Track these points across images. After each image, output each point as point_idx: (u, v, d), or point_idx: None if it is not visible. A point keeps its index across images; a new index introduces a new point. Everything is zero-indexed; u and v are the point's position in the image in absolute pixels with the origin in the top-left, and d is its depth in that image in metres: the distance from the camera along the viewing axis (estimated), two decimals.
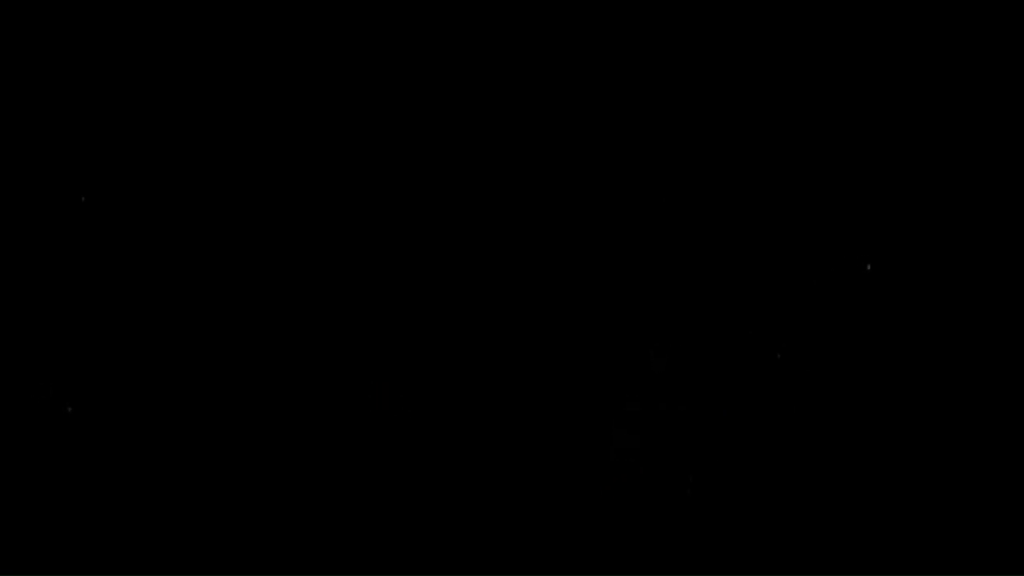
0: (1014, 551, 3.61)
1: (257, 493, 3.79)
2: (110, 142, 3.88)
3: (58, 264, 3.85)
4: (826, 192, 3.75)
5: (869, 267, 3.71)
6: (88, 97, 3.88)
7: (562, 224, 3.81)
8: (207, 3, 3.88)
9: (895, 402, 3.69)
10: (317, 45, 3.87)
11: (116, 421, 3.82)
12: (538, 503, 3.73)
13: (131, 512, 3.78)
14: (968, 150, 3.72)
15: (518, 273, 3.81)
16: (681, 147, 3.81)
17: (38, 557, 3.76)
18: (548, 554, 3.72)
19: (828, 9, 3.77)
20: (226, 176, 3.87)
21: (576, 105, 3.83)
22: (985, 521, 3.63)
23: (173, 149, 3.88)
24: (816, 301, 3.74)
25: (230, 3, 3.88)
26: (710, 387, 3.74)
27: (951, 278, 3.70)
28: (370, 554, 3.74)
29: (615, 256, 3.80)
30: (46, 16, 3.88)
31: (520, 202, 3.83)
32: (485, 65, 3.85)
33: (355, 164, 3.86)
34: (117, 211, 3.86)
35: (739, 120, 3.79)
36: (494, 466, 3.76)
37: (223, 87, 3.88)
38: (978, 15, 3.72)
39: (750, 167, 3.79)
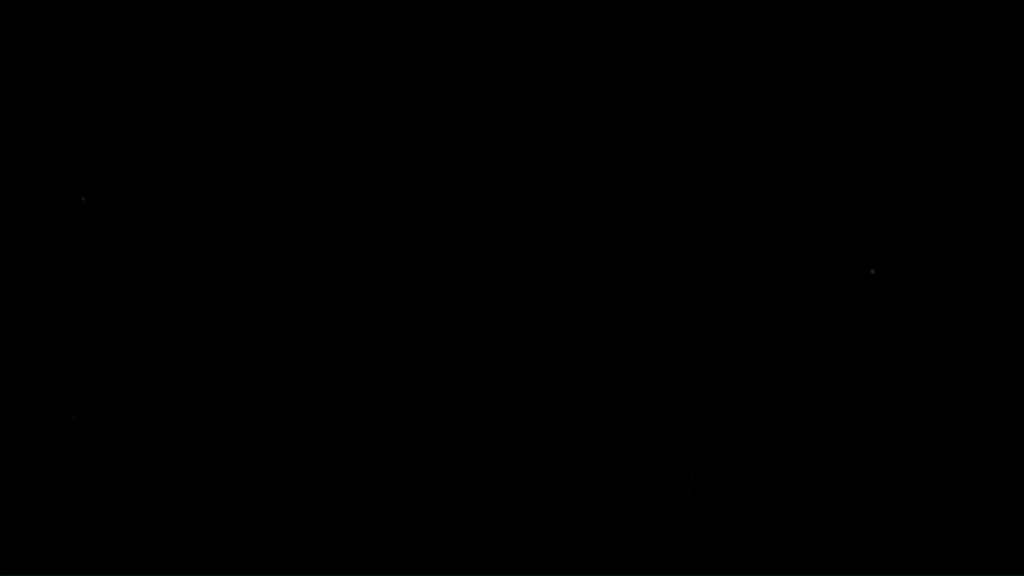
0: (1014, 552, 3.61)
1: (258, 493, 3.79)
2: (110, 142, 3.88)
3: (58, 264, 3.85)
4: (829, 193, 3.75)
5: (873, 271, 3.71)
6: (88, 97, 3.88)
7: (562, 224, 3.81)
8: (207, 3, 3.88)
9: (895, 403, 3.69)
10: (317, 45, 3.87)
11: (116, 421, 3.82)
12: (538, 503, 3.73)
13: (132, 512, 3.78)
14: (972, 154, 3.72)
15: (518, 273, 3.81)
16: (682, 147, 3.80)
17: (38, 557, 3.77)
18: (548, 554, 3.72)
19: (837, 9, 3.77)
20: (226, 177, 3.87)
21: (576, 105, 3.82)
22: (985, 522, 3.63)
23: (173, 149, 3.88)
24: (818, 303, 3.74)
25: (230, 3, 3.88)
26: (710, 387, 3.74)
27: (955, 282, 3.69)
28: (370, 554, 3.74)
29: (615, 256, 3.80)
30: (46, 16, 3.88)
31: (520, 202, 3.83)
32: (485, 65, 3.85)
33: (355, 164, 3.86)
34: (117, 211, 3.86)
35: (742, 120, 3.79)
36: (494, 466, 3.76)
37: (223, 87, 3.88)
38: (984, 16, 3.72)
39: (752, 168, 3.78)
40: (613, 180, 3.82)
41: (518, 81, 3.84)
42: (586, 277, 3.80)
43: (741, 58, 3.79)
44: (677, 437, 3.73)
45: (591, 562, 3.71)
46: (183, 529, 3.77)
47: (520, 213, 3.82)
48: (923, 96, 3.74)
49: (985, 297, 3.69)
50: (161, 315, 3.84)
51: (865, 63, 3.76)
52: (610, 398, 3.75)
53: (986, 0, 3.71)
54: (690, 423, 3.73)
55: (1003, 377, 3.66)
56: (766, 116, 3.78)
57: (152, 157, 3.88)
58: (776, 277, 3.75)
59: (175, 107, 3.88)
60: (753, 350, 3.74)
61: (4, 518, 3.78)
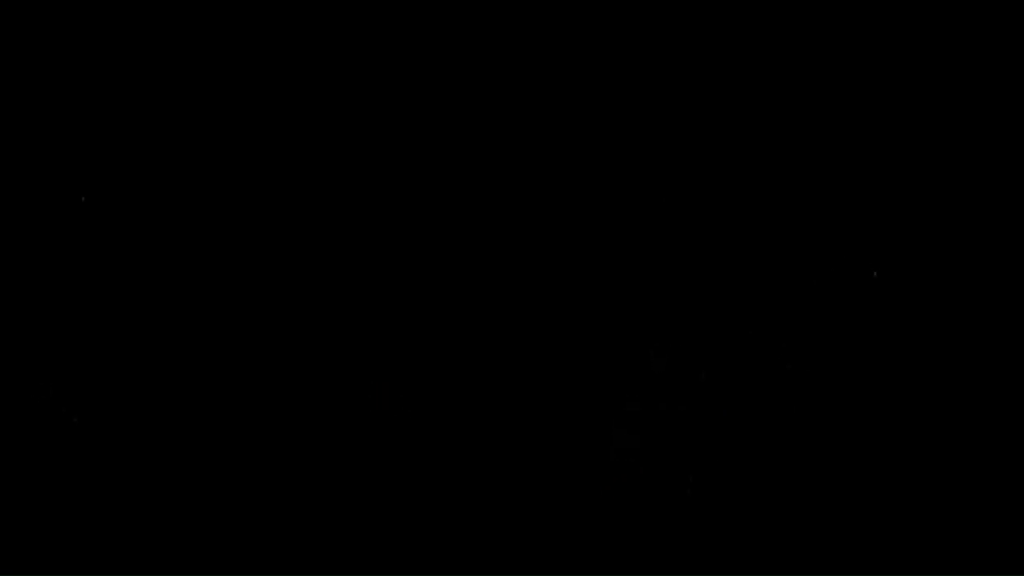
0: (1014, 553, 3.61)
1: (258, 493, 3.79)
2: (110, 142, 3.88)
3: (58, 265, 3.85)
4: (831, 195, 3.75)
5: (875, 274, 3.70)
6: (88, 97, 3.88)
7: (562, 224, 3.81)
8: (207, 3, 3.88)
9: (896, 404, 3.69)
10: (317, 45, 3.87)
11: (116, 421, 3.82)
12: (538, 503, 3.73)
13: (132, 513, 3.78)
14: (975, 158, 3.72)
15: (517, 273, 3.81)
16: (684, 147, 3.80)
17: (39, 556, 3.77)
18: (548, 554, 3.72)
19: (840, 11, 3.76)
20: (226, 177, 3.87)
21: (576, 105, 3.82)
22: (985, 522, 3.63)
23: (173, 149, 3.88)
24: (819, 304, 3.74)
25: (230, 3, 3.88)
26: (710, 387, 3.74)
27: (957, 286, 3.69)
28: (370, 554, 3.74)
29: (615, 256, 3.80)
30: (46, 16, 3.88)
31: (519, 202, 3.83)
32: (484, 65, 3.85)
33: (354, 164, 3.86)
34: (117, 211, 3.86)
35: (744, 120, 3.79)
36: (494, 466, 3.76)
37: (223, 87, 3.88)
38: (987, 19, 3.72)
39: (754, 169, 3.78)
40: (613, 181, 3.82)
41: (518, 81, 3.84)
42: (586, 277, 3.80)
43: (744, 59, 3.79)
44: (677, 437, 3.73)
45: (591, 562, 3.71)
46: (183, 529, 3.77)
47: (520, 214, 3.82)
48: (926, 99, 3.74)
49: (987, 301, 3.68)
50: (161, 315, 3.84)
51: (868, 66, 3.76)
52: (610, 398, 3.75)
53: (986, 0, 3.71)
54: (690, 423, 3.73)
55: (1004, 379, 3.66)
56: (767, 116, 3.78)
57: (152, 157, 3.88)
58: (777, 277, 3.75)
59: (175, 107, 3.88)
60: (753, 350, 3.74)
61: (4, 519, 3.78)
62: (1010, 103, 3.71)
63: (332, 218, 3.85)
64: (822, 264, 3.74)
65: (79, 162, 3.87)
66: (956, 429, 3.67)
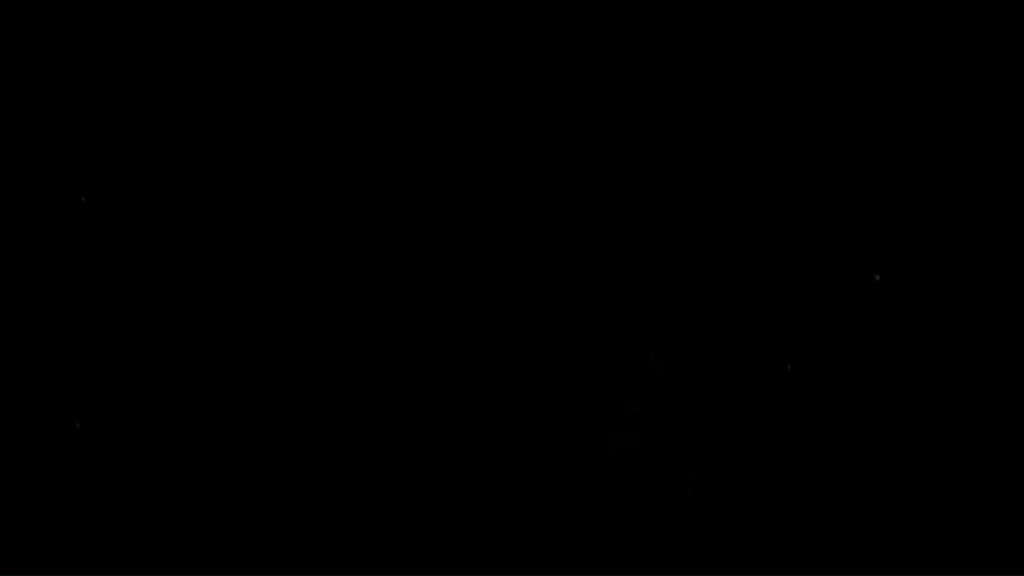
0: (1014, 554, 3.61)
1: (258, 494, 3.79)
2: (110, 142, 3.88)
3: (58, 265, 3.85)
4: (833, 197, 3.75)
5: (877, 277, 3.70)
6: (88, 97, 3.88)
7: (562, 224, 3.81)
8: (207, 3, 3.88)
9: (896, 405, 3.69)
10: (317, 45, 3.87)
11: (116, 421, 3.82)
12: (538, 503, 3.73)
13: (132, 513, 3.78)
14: (976, 161, 3.71)
15: (518, 273, 3.81)
16: (683, 147, 3.80)
17: (39, 556, 3.77)
18: (548, 554, 3.72)
19: (840, 11, 3.76)
20: (226, 177, 3.87)
21: (576, 105, 3.82)
22: (985, 522, 3.63)
23: (173, 149, 3.88)
24: (819, 304, 3.74)
25: (230, 3, 3.88)
26: (710, 387, 3.74)
27: (958, 289, 3.69)
28: (370, 554, 3.74)
29: (615, 256, 3.79)
30: (46, 16, 3.88)
31: (519, 202, 3.82)
32: (484, 65, 3.84)
33: (355, 164, 3.86)
34: (117, 211, 3.86)
35: (744, 121, 3.79)
36: (494, 466, 3.76)
37: (223, 87, 3.88)
38: (987, 19, 3.72)
39: (754, 169, 3.78)
40: (613, 181, 3.81)
41: (518, 82, 3.84)
42: (586, 278, 3.80)
43: (744, 60, 3.79)
44: (677, 437, 3.73)
45: (591, 562, 3.71)
46: (183, 529, 3.77)
47: (520, 214, 3.82)
48: (928, 102, 3.74)
49: (987, 304, 3.68)
50: (161, 316, 3.84)
51: (870, 68, 3.76)
52: (610, 398, 3.75)
53: (986, 1, 3.71)
54: (690, 423, 3.73)
55: (1003, 382, 3.65)
56: (767, 116, 3.78)
57: (152, 157, 3.87)
58: (778, 278, 3.75)
59: (175, 107, 3.88)
60: (753, 350, 3.74)
61: (4, 519, 3.77)
62: (1010, 105, 3.70)
63: (332, 218, 3.85)
64: (823, 266, 3.74)
65: (79, 162, 3.87)
66: (955, 430, 3.66)
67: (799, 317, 3.73)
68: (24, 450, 3.81)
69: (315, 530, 3.76)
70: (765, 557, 3.67)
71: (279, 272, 3.84)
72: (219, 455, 3.80)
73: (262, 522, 3.76)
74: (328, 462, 3.78)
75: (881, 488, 3.67)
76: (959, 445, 3.66)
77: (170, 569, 3.75)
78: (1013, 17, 3.70)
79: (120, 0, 3.89)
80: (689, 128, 3.80)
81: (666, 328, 3.76)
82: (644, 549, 3.70)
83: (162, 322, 3.83)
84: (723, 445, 3.72)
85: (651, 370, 3.75)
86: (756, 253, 3.76)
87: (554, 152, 3.83)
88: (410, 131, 3.86)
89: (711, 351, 3.75)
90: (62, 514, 3.79)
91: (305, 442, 3.79)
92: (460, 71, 3.85)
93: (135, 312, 3.84)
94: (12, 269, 3.84)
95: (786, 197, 3.77)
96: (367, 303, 3.83)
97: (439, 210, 3.84)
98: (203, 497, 3.78)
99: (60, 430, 3.81)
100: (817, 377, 3.71)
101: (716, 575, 3.68)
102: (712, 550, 3.69)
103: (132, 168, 3.87)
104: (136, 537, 3.77)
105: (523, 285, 3.81)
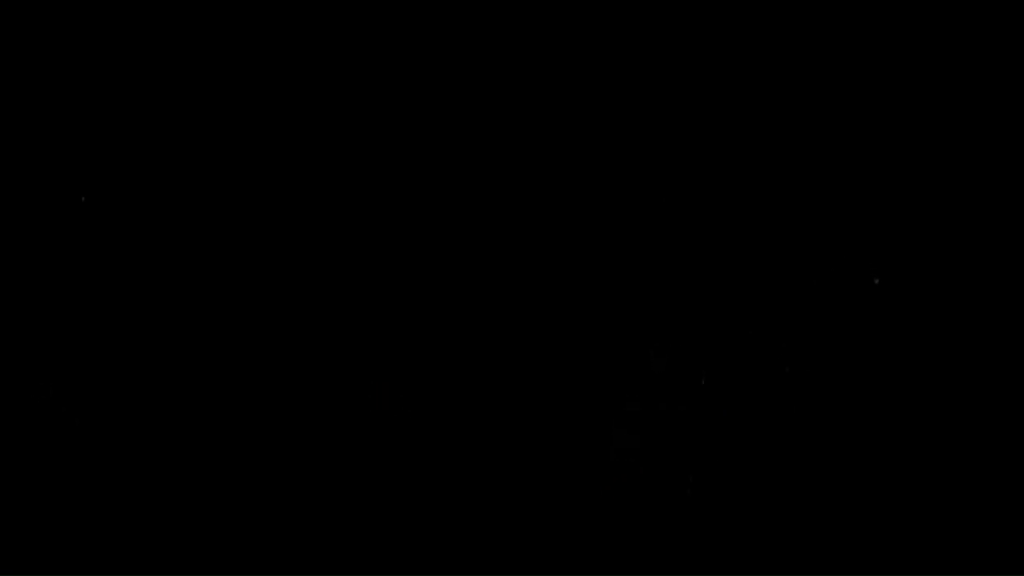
0: (1013, 555, 3.61)
1: (258, 493, 3.79)
2: (110, 142, 3.88)
3: (58, 264, 3.85)
4: (833, 199, 3.75)
5: (877, 281, 3.71)
6: (88, 97, 3.88)
7: (562, 224, 3.81)
8: (207, 3, 3.88)
9: (894, 406, 3.69)
10: (317, 45, 3.87)
11: (116, 421, 3.82)
12: (538, 503, 3.73)
13: (132, 512, 3.78)
14: (976, 166, 3.72)
15: (518, 273, 3.81)
16: (683, 148, 3.80)
17: (39, 556, 3.77)
18: (548, 554, 3.72)
19: (840, 13, 3.76)
20: (226, 176, 3.87)
21: (577, 106, 3.82)
22: (985, 522, 3.63)
23: (173, 149, 3.88)
24: (819, 304, 3.74)
25: (230, 3, 3.88)
26: (710, 387, 3.74)
27: (957, 294, 3.69)
28: (370, 554, 3.74)
29: (615, 256, 3.80)
30: (46, 16, 3.88)
31: (520, 202, 3.83)
32: (484, 65, 3.85)
33: (355, 164, 3.86)
34: (117, 211, 3.86)
35: (744, 122, 3.79)
36: (494, 466, 3.76)
37: (223, 87, 3.88)
38: (987, 22, 3.72)
39: (754, 170, 3.78)
40: (614, 181, 3.82)
41: (518, 82, 3.84)
42: (586, 278, 3.80)
43: (745, 61, 3.79)
44: (677, 437, 3.73)
45: (591, 562, 3.71)
46: (183, 529, 3.77)
47: (520, 214, 3.82)
48: (927, 106, 3.74)
49: (986, 309, 3.69)
50: (161, 315, 3.84)
51: (869, 70, 3.76)
52: (610, 398, 3.75)
53: (986, 3, 3.71)
54: (690, 423, 3.73)
55: (1001, 385, 3.66)
56: (768, 118, 3.78)
57: (152, 157, 3.87)
58: (778, 280, 3.75)
59: (175, 107, 3.88)
60: (753, 351, 3.74)
61: (4, 519, 3.77)
62: (1009, 110, 3.71)
63: (332, 218, 3.85)
64: (823, 269, 3.74)
65: (79, 162, 3.87)
66: (952, 431, 3.67)
67: (799, 318, 3.73)
68: (24, 450, 3.81)
69: (315, 530, 3.76)
70: (765, 557, 3.68)
71: (279, 272, 3.84)
72: (219, 455, 3.80)
73: (262, 522, 3.76)
74: (328, 462, 3.78)
75: (881, 489, 3.67)
76: (956, 446, 3.66)
77: (170, 569, 3.75)
78: (1012, 21, 3.71)
79: (120, 0, 3.89)
80: (689, 130, 3.80)
81: (666, 328, 3.76)
82: (644, 549, 3.71)
83: (162, 322, 3.83)
84: (723, 445, 3.72)
85: (651, 370, 3.75)
86: (756, 255, 3.77)
87: (554, 153, 3.83)
88: (410, 132, 3.86)
89: (711, 351, 3.75)
90: (62, 514, 3.79)
91: (305, 442, 3.79)
92: (460, 72, 3.85)
93: (135, 312, 3.84)
94: (12, 269, 3.84)
95: (786, 200, 3.77)
96: (367, 304, 3.83)
97: (439, 211, 3.84)
98: (203, 497, 3.78)
99: (60, 430, 3.81)
100: (816, 378, 3.71)
101: (716, 575, 3.68)
102: (712, 550, 3.69)
103: (132, 168, 3.87)
104: (137, 537, 3.77)
105: (523, 286, 3.81)
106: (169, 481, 3.79)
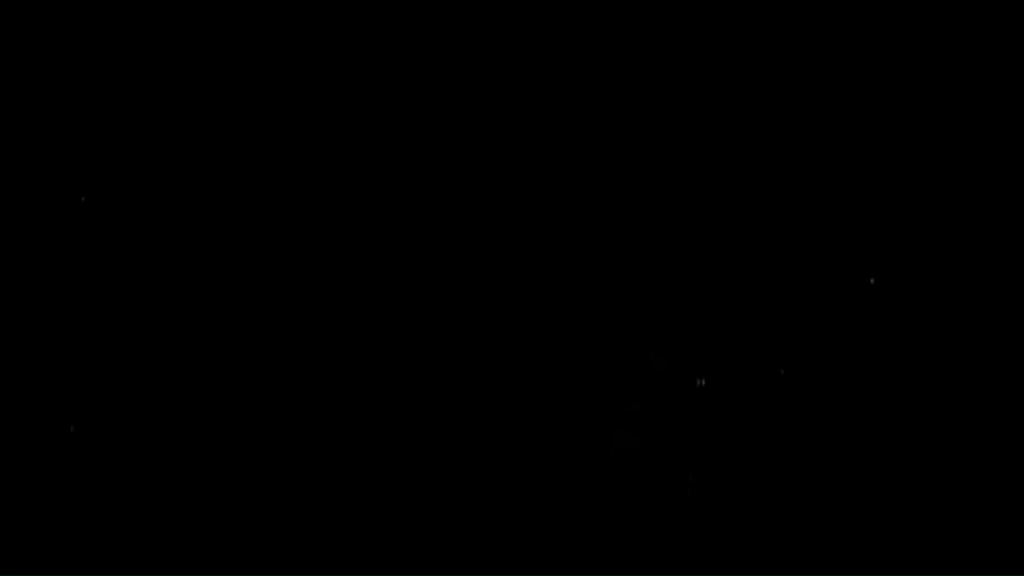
0: (1011, 555, 3.61)
1: (258, 494, 3.79)
2: (110, 142, 3.88)
3: (57, 264, 3.85)
4: (832, 201, 3.75)
5: (872, 281, 3.71)
6: (88, 97, 3.88)
7: (562, 225, 3.81)
8: (207, 3, 3.88)
9: (893, 405, 3.69)
10: (317, 45, 3.87)
11: (116, 421, 3.81)
12: (538, 503, 3.73)
13: (132, 513, 3.78)
14: (973, 168, 3.72)
15: (518, 274, 3.81)
16: (684, 149, 3.81)
17: (39, 556, 3.76)
18: (548, 554, 3.72)
19: (840, 15, 3.77)
20: (226, 177, 3.87)
21: (578, 107, 3.83)
22: (984, 522, 3.63)
23: (173, 149, 3.88)
24: (818, 305, 3.74)
25: (230, 3, 3.88)
26: (710, 387, 3.74)
27: (954, 294, 3.70)
28: (370, 554, 3.74)
29: (615, 257, 3.80)
30: (46, 16, 3.88)
31: (520, 203, 3.83)
32: (485, 66, 3.85)
33: (355, 165, 3.86)
34: (117, 211, 3.86)
35: (744, 124, 3.79)
36: (494, 466, 3.76)
37: (223, 87, 3.88)
38: (992, 24, 3.73)
39: (754, 171, 3.79)
40: (614, 182, 3.82)
41: (519, 83, 3.84)
42: (586, 278, 3.80)
43: (744, 62, 3.79)
44: (677, 437, 3.73)
45: (591, 562, 3.71)
46: (183, 529, 3.77)
47: (520, 214, 3.82)
48: (924, 108, 3.74)
49: (983, 309, 3.69)
50: (161, 316, 3.84)
51: (868, 72, 3.76)
52: (610, 398, 3.76)
53: (986, 4, 3.71)
54: (690, 423, 3.73)
55: (999, 385, 3.66)
56: (767, 119, 3.78)
57: (152, 157, 3.87)
58: (777, 279, 3.75)
59: (175, 107, 3.88)
60: (753, 351, 3.74)
61: (4, 519, 3.77)
62: (1005, 112, 3.71)
63: (332, 219, 3.85)
64: (821, 268, 3.75)
65: (79, 162, 3.87)
66: (950, 431, 3.67)
67: (797, 319, 3.73)
68: (25, 450, 3.80)
69: (315, 530, 3.76)
70: (765, 557, 3.68)
71: (279, 273, 3.84)
72: (219, 454, 3.80)
73: (262, 522, 3.76)
74: (329, 462, 3.78)
75: (880, 488, 3.67)
76: (953, 445, 3.66)
77: (170, 569, 3.74)
78: (1010, 24, 3.71)
79: (120, 0, 3.89)
80: (689, 132, 3.81)
81: (666, 328, 3.76)
82: (644, 549, 3.71)
83: (162, 322, 3.83)
84: (723, 445, 3.72)
85: (651, 370, 3.75)
86: (755, 256, 3.77)
87: (554, 154, 3.83)
88: (410, 132, 3.86)
89: (711, 352, 3.75)
90: (62, 514, 3.79)
91: (305, 442, 3.79)
92: (461, 73, 3.85)
93: (135, 312, 3.84)
94: (12, 269, 3.84)
95: (784, 201, 3.77)
96: (367, 304, 3.83)
97: (439, 212, 3.84)
98: (204, 497, 3.78)
99: (60, 430, 3.81)
100: (816, 378, 3.71)
101: (716, 575, 3.68)
102: (712, 550, 3.69)
103: (132, 168, 3.87)
104: (137, 537, 3.77)
105: (523, 286, 3.81)
106: (169, 481, 3.79)
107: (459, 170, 3.85)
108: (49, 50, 3.88)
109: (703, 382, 3.74)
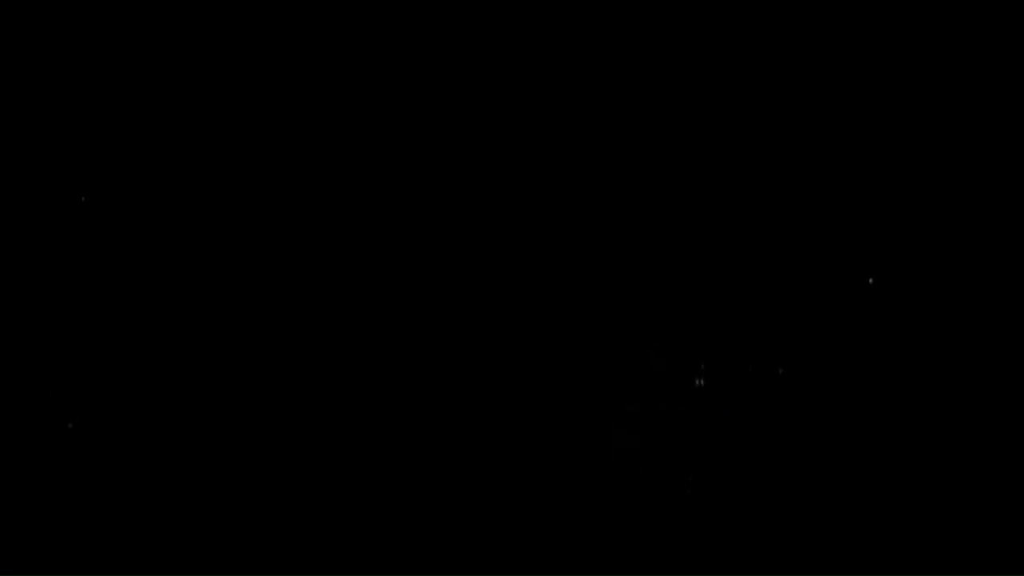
0: (1013, 556, 3.62)
1: (258, 493, 3.78)
2: (110, 142, 3.88)
3: (57, 264, 3.84)
4: (830, 201, 3.76)
5: (871, 281, 3.71)
6: (88, 97, 3.88)
7: (562, 226, 3.82)
8: (207, 3, 3.88)
9: (892, 405, 3.70)
10: (317, 46, 3.87)
11: (116, 421, 3.81)
12: (539, 503, 3.74)
13: (132, 513, 3.78)
14: (972, 169, 3.73)
15: (518, 275, 3.81)
16: (683, 149, 3.81)
17: (39, 556, 3.76)
18: (548, 554, 3.72)
19: (840, 15, 3.77)
20: (226, 178, 3.87)
21: (578, 109, 3.83)
22: (984, 522, 3.63)
23: (173, 149, 3.87)
24: (818, 305, 3.74)
25: (230, 3, 3.88)
26: (710, 387, 3.74)
27: (952, 294, 3.70)
28: (370, 554, 3.74)
29: (615, 257, 3.80)
30: (46, 16, 3.88)
31: (520, 204, 3.83)
32: (486, 68, 3.85)
33: (356, 165, 3.86)
34: (117, 211, 3.86)
35: (744, 124, 3.80)
36: (495, 466, 3.76)
37: (223, 88, 3.88)
38: (992, 24, 3.73)
39: (753, 175, 3.79)
40: (614, 183, 3.82)
41: (519, 83, 3.84)
42: (586, 279, 3.80)
43: (744, 63, 3.80)
44: (677, 437, 3.73)
45: (591, 562, 3.71)
46: (183, 529, 3.76)
47: (521, 215, 3.83)
48: (924, 109, 3.75)
49: (981, 309, 3.69)
50: (161, 316, 3.84)
51: (868, 72, 3.77)
52: (610, 398, 3.76)
53: (986, 4, 3.72)
54: (690, 423, 3.74)
55: (997, 386, 3.66)
56: (767, 120, 3.79)
57: (152, 157, 3.87)
58: (776, 279, 3.76)
59: (175, 107, 3.88)
60: (752, 351, 3.75)
61: (5, 519, 3.77)
62: (1004, 113, 3.71)
63: (332, 219, 3.85)
64: (820, 268, 3.75)
65: (79, 162, 3.87)
66: (948, 430, 3.67)
67: (797, 319, 3.74)
68: (25, 450, 3.80)
69: (315, 530, 3.76)
70: (765, 557, 3.68)
71: (279, 273, 3.84)
72: (219, 454, 3.80)
73: (262, 522, 3.76)
74: (329, 462, 3.78)
75: (880, 488, 3.68)
76: (951, 445, 3.67)
77: (170, 569, 3.74)
78: (1010, 24, 3.71)
79: (120, 1, 3.89)
80: (689, 134, 3.81)
81: (666, 328, 3.77)
82: (644, 549, 3.71)
83: (162, 322, 3.83)
84: (723, 445, 3.72)
85: (651, 370, 3.76)
86: (755, 256, 3.77)
87: (555, 155, 3.83)
88: (411, 133, 3.86)
89: (711, 352, 3.75)
90: (62, 514, 3.78)
91: (306, 442, 3.79)
92: (462, 73, 3.85)
93: (135, 312, 3.84)
94: (12, 269, 3.83)
95: (784, 202, 3.77)
96: (367, 304, 3.83)
97: (440, 212, 3.84)
98: (204, 497, 3.78)
99: (60, 430, 3.81)
100: (816, 378, 3.72)
101: (716, 575, 3.69)
102: (712, 550, 3.69)
103: (132, 168, 3.87)
104: (137, 536, 3.77)
105: (523, 287, 3.81)
106: (169, 481, 3.79)
107: (459, 171, 3.85)
108: (49, 50, 3.88)
109: (703, 382, 3.74)
